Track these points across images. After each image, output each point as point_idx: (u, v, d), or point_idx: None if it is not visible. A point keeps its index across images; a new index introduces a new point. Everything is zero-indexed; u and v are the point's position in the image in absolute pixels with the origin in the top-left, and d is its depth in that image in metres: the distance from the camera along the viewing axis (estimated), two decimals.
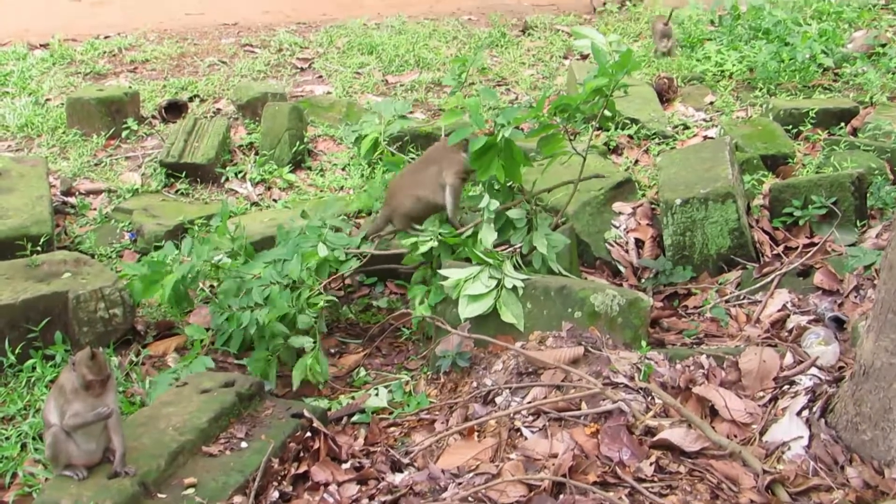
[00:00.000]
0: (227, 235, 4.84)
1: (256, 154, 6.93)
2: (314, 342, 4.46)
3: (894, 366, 3.26)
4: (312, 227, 4.84)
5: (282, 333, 4.48)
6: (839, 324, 4.48)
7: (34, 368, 4.48)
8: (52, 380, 4.30)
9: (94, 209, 6.27)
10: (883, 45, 8.53)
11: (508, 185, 4.91)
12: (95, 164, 6.84)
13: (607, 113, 4.81)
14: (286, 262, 4.66)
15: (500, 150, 4.63)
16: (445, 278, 4.44)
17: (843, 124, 7.04)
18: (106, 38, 9.37)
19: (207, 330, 4.73)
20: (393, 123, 5.43)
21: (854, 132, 6.96)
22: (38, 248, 5.27)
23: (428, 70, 8.52)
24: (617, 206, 5.79)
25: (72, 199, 6.33)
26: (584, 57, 8.38)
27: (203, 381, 4.06)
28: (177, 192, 6.53)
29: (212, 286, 5.26)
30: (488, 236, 4.59)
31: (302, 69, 8.68)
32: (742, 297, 5.02)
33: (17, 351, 4.50)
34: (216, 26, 9.99)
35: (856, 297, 4.72)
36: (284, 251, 4.77)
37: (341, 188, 6.53)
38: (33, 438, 4.05)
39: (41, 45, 9.07)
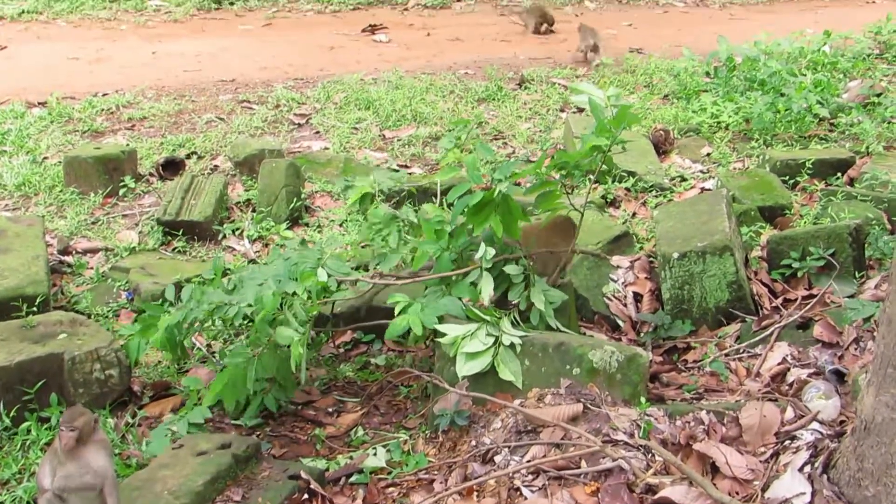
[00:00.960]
0: (221, 288, 4.79)
1: (253, 211, 6.93)
2: (302, 332, 4.40)
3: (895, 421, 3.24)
4: (312, 252, 4.80)
5: (266, 332, 4.44)
6: (840, 377, 4.45)
7: (29, 431, 4.44)
8: (48, 443, 4.27)
9: (91, 268, 6.25)
10: (878, 95, 8.56)
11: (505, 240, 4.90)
12: (92, 223, 6.84)
13: (605, 168, 4.82)
14: (280, 282, 4.57)
15: (498, 206, 4.62)
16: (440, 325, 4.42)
17: (839, 174, 7.05)
18: (104, 95, 9.40)
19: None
20: (386, 181, 5.42)
21: (851, 182, 6.97)
22: (34, 309, 5.25)
23: (425, 124, 8.54)
24: (615, 259, 5.77)
25: (68, 259, 6.32)
26: (581, 110, 8.41)
27: (199, 443, 4.03)
28: (174, 250, 6.52)
29: (208, 345, 5.26)
30: (486, 287, 4.56)
31: (299, 125, 8.70)
32: (742, 350, 4.99)
33: (11, 414, 4.46)
34: (214, 83, 10.02)
35: (856, 349, 4.69)
36: (277, 269, 4.68)
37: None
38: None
39: (39, 104, 9.10)
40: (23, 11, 12.90)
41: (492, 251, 4.61)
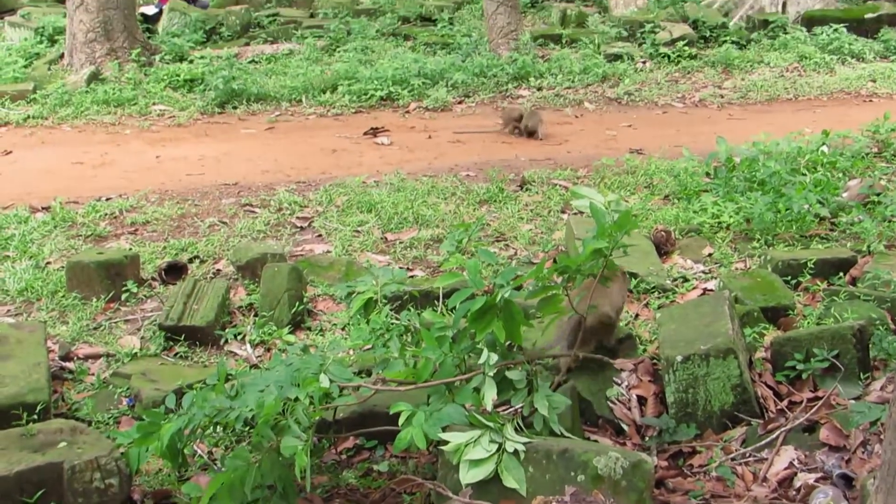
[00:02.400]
0: (223, 394, 4.77)
1: (256, 315, 6.93)
2: (305, 439, 4.35)
3: None
4: (315, 357, 4.77)
5: (269, 436, 4.39)
6: (848, 481, 4.41)
7: None
8: None
9: (93, 374, 6.23)
10: (878, 194, 8.60)
11: (508, 344, 4.89)
12: (94, 328, 6.83)
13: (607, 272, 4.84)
14: (283, 388, 4.53)
15: (500, 311, 4.63)
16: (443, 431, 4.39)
17: (841, 274, 7.05)
18: (107, 200, 9.47)
19: None
20: (388, 285, 5.42)
21: (853, 282, 6.96)
22: (35, 417, 5.22)
23: (427, 227, 8.58)
24: (618, 362, 5.75)
25: (70, 365, 6.30)
26: (582, 211, 8.45)
27: None
28: (176, 355, 6.50)
29: (210, 452, 5.21)
30: (489, 393, 4.54)
31: (301, 228, 8.75)
32: (748, 454, 4.95)
33: None
34: (217, 186, 10.10)
35: (863, 452, 4.66)
36: (279, 375, 4.64)
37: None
38: None
39: (43, 208, 9.16)
40: (28, 117, 13.06)
41: (494, 357, 4.60)
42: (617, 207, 4.78)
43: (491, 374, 4.60)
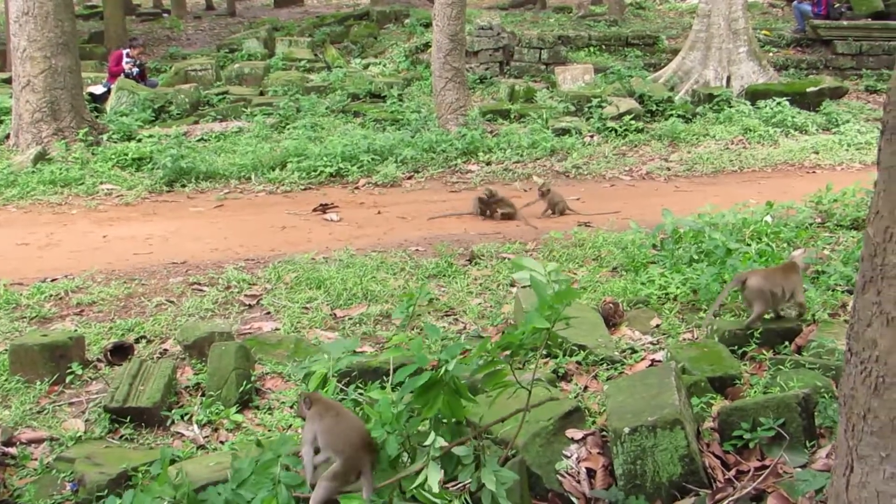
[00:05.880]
0: (167, 483, 4.72)
1: (203, 395, 6.86)
2: None
3: None
4: (267, 459, 4.72)
5: None
6: None
7: None
8: None
9: (36, 459, 6.12)
10: (821, 264, 8.69)
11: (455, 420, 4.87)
12: (38, 412, 6.72)
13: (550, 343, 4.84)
14: None
15: (444, 387, 4.61)
16: None
17: (787, 343, 7.10)
18: (53, 281, 9.39)
19: None
20: (342, 360, 5.40)
21: (799, 350, 7.02)
22: None
23: (376, 303, 8.57)
24: (570, 432, 5.74)
25: (12, 450, 6.18)
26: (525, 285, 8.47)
27: None
28: (121, 437, 6.40)
29: None
30: (433, 476, 4.51)
31: (250, 306, 8.70)
32: None
33: None
34: (164, 265, 10.05)
35: None
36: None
37: (289, 426, 6.43)
38: None
39: None
40: None
41: (440, 440, 4.58)
42: (557, 278, 4.80)
43: (436, 455, 4.57)
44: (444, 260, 9.79)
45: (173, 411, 6.64)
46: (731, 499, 5.00)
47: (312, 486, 4.75)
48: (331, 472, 4.64)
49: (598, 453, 5.62)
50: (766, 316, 7.19)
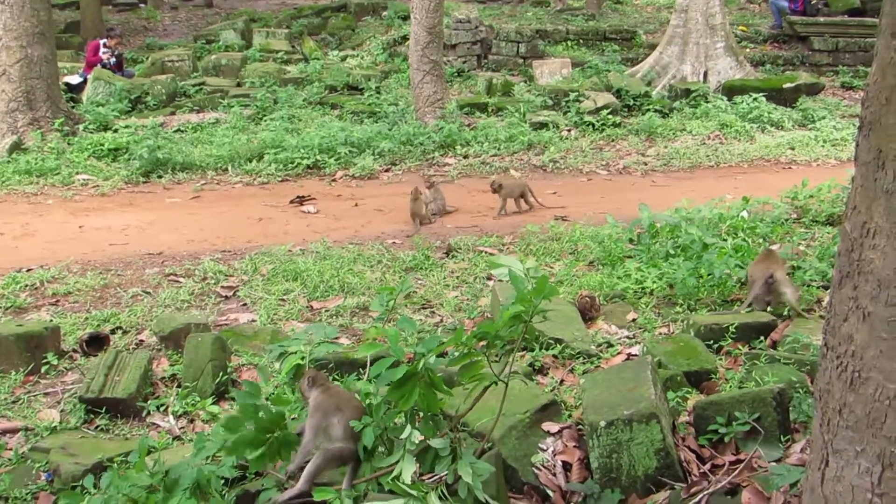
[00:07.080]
0: (145, 472, 4.70)
1: (179, 386, 6.84)
2: None
3: None
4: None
5: None
6: None
7: None
8: None
9: (10, 449, 6.09)
10: (797, 259, 8.74)
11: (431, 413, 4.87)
12: (13, 402, 6.69)
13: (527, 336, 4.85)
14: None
15: (420, 379, 4.61)
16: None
17: (762, 338, 7.14)
18: (28, 271, 9.34)
19: None
20: (319, 347, 5.41)
21: (774, 345, 7.05)
22: None
23: (353, 295, 8.56)
24: (546, 425, 5.75)
25: None
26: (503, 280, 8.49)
27: None
28: (96, 428, 6.38)
29: None
30: (408, 469, 4.51)
31: (226, 297, 8.68)
32: None
33: None
34: (141, 256, 10.02)
35: None
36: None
37: None
38: None
39: None
40: None
41: (417, 434, 4.59)
42: (535, 274, 4.80)
43: (412, 448, 4.57)
44: (421, 253, 9.80)
45: (149, 402, 6.62)
46: (705, 493, 5.02)
47: (291, 474, 4.77)
48: (336, 449, 4.69)
49: (574, 447, 5.63)
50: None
